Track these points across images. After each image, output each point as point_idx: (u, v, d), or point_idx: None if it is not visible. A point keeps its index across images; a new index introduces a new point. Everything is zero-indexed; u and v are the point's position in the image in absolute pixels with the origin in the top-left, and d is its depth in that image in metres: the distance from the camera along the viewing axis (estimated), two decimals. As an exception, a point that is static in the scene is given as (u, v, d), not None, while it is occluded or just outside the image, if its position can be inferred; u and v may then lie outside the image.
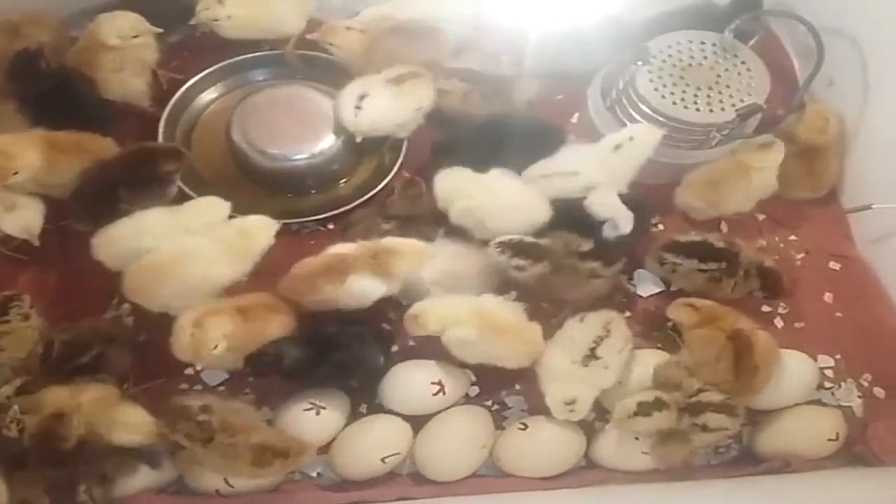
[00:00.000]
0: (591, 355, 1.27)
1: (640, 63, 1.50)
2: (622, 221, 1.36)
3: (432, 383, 1.29)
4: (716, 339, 1.27)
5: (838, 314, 1.47)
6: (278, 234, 1.35)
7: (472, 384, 1.35)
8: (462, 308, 1.27)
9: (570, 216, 1.38)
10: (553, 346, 1.30)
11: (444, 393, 1.29)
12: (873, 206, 1.50)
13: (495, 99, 1.51)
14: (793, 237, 1.55)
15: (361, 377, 1.29)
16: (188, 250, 1.27)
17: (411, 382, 1.31)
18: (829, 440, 1.30)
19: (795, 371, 1.33)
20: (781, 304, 1.46)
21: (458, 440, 1.28)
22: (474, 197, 1.37)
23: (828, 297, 1.49)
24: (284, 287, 1.28)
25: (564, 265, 1.32)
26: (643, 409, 1.22)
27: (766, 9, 1.64)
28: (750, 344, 1.25)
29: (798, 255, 1.53)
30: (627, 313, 1.42)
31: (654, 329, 1.41)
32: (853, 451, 1.32)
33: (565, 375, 1.27)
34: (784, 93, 1.63)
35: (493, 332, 1.27)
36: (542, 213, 1.38)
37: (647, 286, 1.46)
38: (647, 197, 1.45)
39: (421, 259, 1.30)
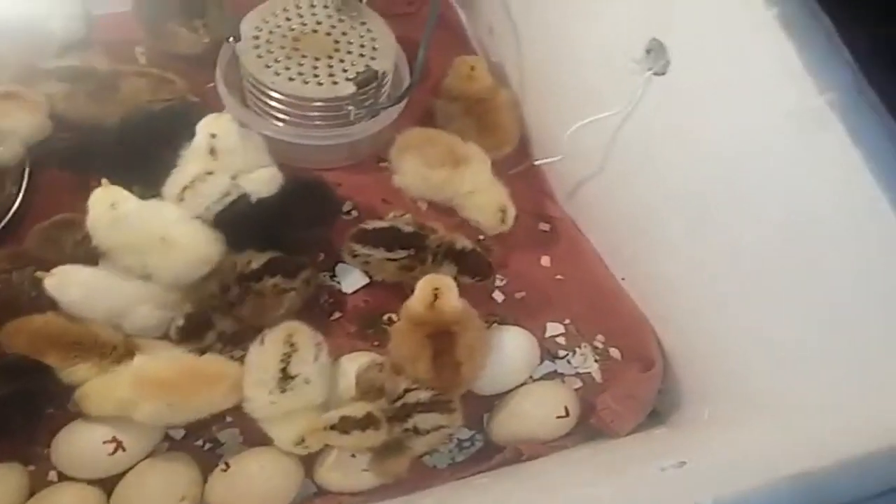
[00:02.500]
0: (285, 376, 1.13)
1: (231, 40, 1.32)
2: (265, 185, 1.22)
3: (105, 442, 1.12)
4: (412, 337, 1.14)
5: (559, 277, 1.37)
6: None
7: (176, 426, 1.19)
8: (118, 385, 1.11)
9: (238, 229, 1.21)
10: (247, 380, 1.15)
11: (122, 449, 1.12)
12: (536, 163, 1.41)
13: (107, 96, 1.32)
14: None
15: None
16: None
17: (81, 444, 1.13)
18: (559, 417, 1.19)
19: (514, 347, 1.22)
20: (498, 275, 1.35)
21: (150, 498, 1.11)
22: (132, 236, 1.17)
23: (545, 260, 1.39)
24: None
25: (244, 294, 1.17)
26: (342, 425, 1.09)
27: None
28: (452, 339, 1.13)
29: None
30: (337, 314, 1.28)
31: (368, 326, 1.28)
32: (591, 425, 1.22)
33: (273, 410, 1.13)
34: (454, 43, 1.55)
35: (175, 392, 1.11)
36: (211, 252, 1.20)
37: (351, 281, 1.31)
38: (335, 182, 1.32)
39: None
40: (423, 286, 1.15)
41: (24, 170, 1.31)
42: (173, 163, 1.22)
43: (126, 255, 1.17)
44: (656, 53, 1.07)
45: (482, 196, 1.32)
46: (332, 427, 1.09)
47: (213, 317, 1.18)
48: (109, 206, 1.15)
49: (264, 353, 1.14)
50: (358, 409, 1.11)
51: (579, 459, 1.16)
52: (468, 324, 1.15)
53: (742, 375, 1.10)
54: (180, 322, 1.16)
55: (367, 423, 1.09)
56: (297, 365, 1.13)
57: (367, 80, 1.28)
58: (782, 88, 0.90)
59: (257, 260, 1.19)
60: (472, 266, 1.25)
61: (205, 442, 1.19)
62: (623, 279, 1.33)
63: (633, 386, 1.21)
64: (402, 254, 1.23)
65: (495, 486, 1.13)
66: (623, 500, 0.86)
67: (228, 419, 1.20)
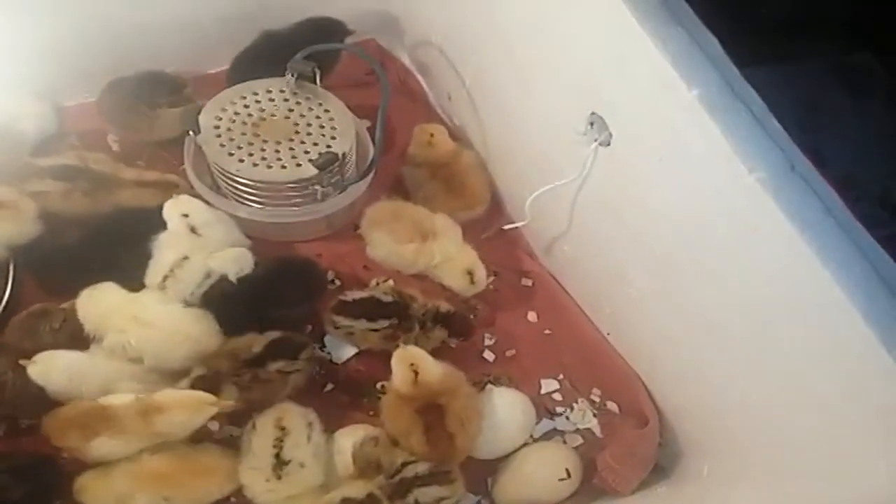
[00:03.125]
0: (280, 462, 1.11)
1: (191, 133, 1.31)
2: (235, 263, 1.22)
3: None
4: (402, 412, 1.13)
5: (547, 331, 1.36)
6: None
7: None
8: (123, 478, 1.09)
9: (226, 309, 1.21)
10: (244, 467, 1.13)
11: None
12: (505, 228, 1.41)
13: (100, 195, 1.31)
14: None
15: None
16: None
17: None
18: (561, 480, 1.17)
19: (508, 410, 1.20)
20: (487, 334, 1.33)
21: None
22: (126, 332, 1.17)
23: (531, 316, 1.37)
24: (46, 423, 1.10)
25: (252, 381, 1.15)
26: None
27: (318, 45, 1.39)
28: (441, 410, 1.11)
29: (488, 279, 1.37)
30: (330, 386, 1.26)
31: (363, 395, 1.26)
32: (593, 485, 1.19)
33: (272, 497, 1.11)
34: (418, 110, 1.56)
35: (172, 486, 1.10)
36: (209, 339, 1.19)
37: (341, 351, 1.29)
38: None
39: (199, 412, 1.10)
40: (400, 364, 1.14)
41: (8, 271, 1.29)
42: (140, 259, 1.22)
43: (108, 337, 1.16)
44: (598, 126, 1.09)
45: (451, 263, 1.32)
46: None
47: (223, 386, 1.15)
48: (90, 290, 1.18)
49: (257, 439, 1.13)
50: (359, 490, 1.08)
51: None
52: (456, 392, 1.14)
53: (731, 433, 1.09)
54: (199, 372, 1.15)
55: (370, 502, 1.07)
56: (290, 449, 1.12)
57: (328, 163, 1.27)
58: (712, 166, 0.91)
59: (258, 343, 1.17)
60: (461, 327, 1.25)
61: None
62: (608, 334, 1.31)
63: (631, 443, 1.18)
64: (384, 323, 1.22)
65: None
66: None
67: (232, 499, 1.17)
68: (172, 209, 1.24)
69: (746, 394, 1.02)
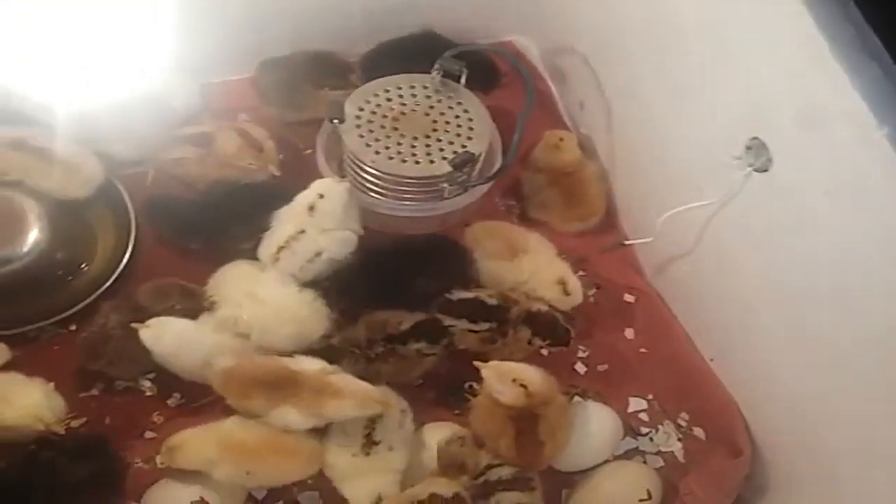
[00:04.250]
0: (369, 441, 1.14)
1: (335, 121, 1.33)
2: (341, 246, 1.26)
3: (193, 502, 1.13)
4: (495, 415, 1.14)
5: (643, 350, 1.34)
6: (16, 346, 1.23)
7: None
8: (211, 440, 1.13)
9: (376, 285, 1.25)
10: (329, 442, 1.16)
11: (208, 510, 1.15)
12: (626, 243, 1.40)
13: (230, 164, 1.36)
14: (581, 273, 1.38)
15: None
16: None
17: (170, 501, 1.15)
18: (641, 501, 1.16)
19: (598, 425, 1.21)
20: (581, 346, 1.33)
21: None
22: (242, 307, 1.22)
23: (629, 332, 1.36)
24: (220, 375, 1.14)
25: (388, 354, 1.19)
26: (430, 503, 1.08)
27: (466, 45, 1.45)
28: (535, 419, 1.12)
29: (590, 292, 1.38)
30: (419, 380, 1.26)
31: (450, 394, 1.27)
32: (676, 508, 1.20)
33: (354, 471, 1.15)
34: (544, 117, 1.55)
35: (253, 460, 1.13)
36: (318, 324, 1.23)
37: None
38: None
39: (365, 407, 1.13)
40: (502, 381, 1.13)
41: (130, 230, 1.37)
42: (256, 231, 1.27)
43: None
44: (757, 151, 1.06)
45: (540, 276, 1.31)
46: (420, 502, 1.09)
47: (344, 362, 1.19)
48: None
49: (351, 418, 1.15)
50: (446, 488, 1.10)
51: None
52: (552, 401, 1.14)
53: (832, 469, 1.07)
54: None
55: (453, 503, 1.09)
56: (381, 432, 1.14)
57: (464, 163, 1.29)
58: (892, 209, 0.88)
59: (407, 321, 1.20)
60: (547, 329, 1.24)
61: (285, 503, 1.20)
62: (711, 360, 1.29)
63: (719, 472, 1.18)
64: (484, 326, 1.23)
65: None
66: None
67: (309, 481, 1.20)
68: (316, 186, 1.27)
69: (858, 436, 1.00)
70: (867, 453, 1.01)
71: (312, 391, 1.11)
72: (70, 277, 1.36)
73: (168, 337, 1.18)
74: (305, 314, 1.23)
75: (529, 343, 1.24)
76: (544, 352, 1.27)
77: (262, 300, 1.23)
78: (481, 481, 1.12)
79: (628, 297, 1.40)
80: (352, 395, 1.12)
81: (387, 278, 1.27)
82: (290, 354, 1.18)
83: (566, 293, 1.31)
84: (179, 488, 1.16)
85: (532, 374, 1.14)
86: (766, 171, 1.06)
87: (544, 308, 1.26)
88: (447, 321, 1.24)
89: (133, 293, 1.27)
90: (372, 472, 1.15)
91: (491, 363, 1.16)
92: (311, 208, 1.25)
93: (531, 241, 1.34)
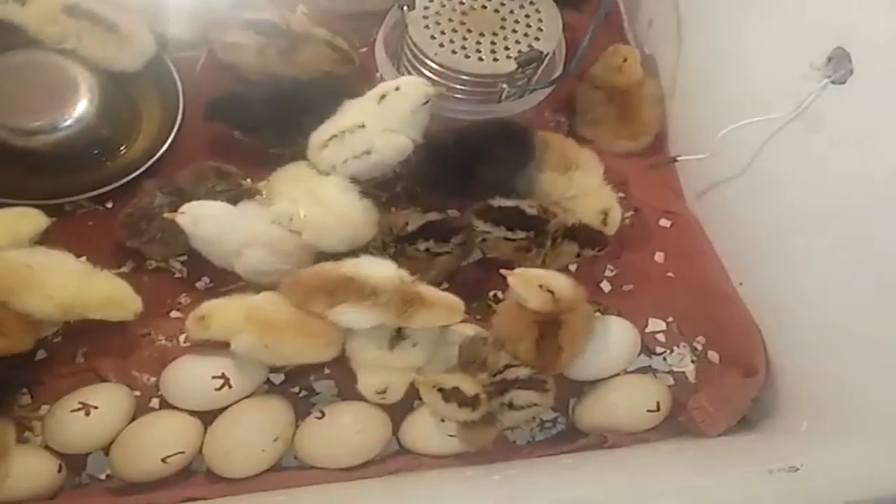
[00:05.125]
0: (398, 335, 1.17)
1: (405, 8, 1.33)
2: (394, 152, 1.27)
3: (214, 377, 1.17)
4: (520, 319, 1.16)
5: (670, 274, 1.36)
6: (52, 217, 1.23)
7: (278, 370, 1.23)
8: (238, 312, 1.16)
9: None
10: (354, 339, 1.19)
11: (229, 386, 1.18)
12: (678, 159, 1.39)
13: (292, 56, 1.36)
14: (621, 194, 1.39)
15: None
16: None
17: (192, 377, 1.19)
18: (650, 411, 1.21)
19: (616, 339, 1.23)
20: (609, 266, 1.35)
21: (246, 434, 1.17)
22: (299, 204, 1.23)
23: (658, 256, 1.38)
24: (287, 282, 1.17)
25: (398, 256, 1.20)
26: (447, 394, 1.12)
27: None
28: (558, 325, 1.15)
29: (626, 214, 1.39)
30: (445, 284, 1.29)
31: (473, 300, 1.29)
32: (678, 422, 1.22)
33: (374, 362, 1.18)
34: (608, 33, 1.52)
35: (275, 335, 1.16)
36: (367, 230, 1.25)
37: (465, 252, 1.33)
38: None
39: (452, 317, 1.16)
40: (529, 287, 1.14)
41: (177, 114, 1.38)
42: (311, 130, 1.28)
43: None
44: (838, 62, 1.04)
45: (587, 199, 1.32)
46: (439, 389, 1.13)
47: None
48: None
49: None
50: (470, 387, 1.13)
51: (668, 452, 1.17)
52: (577, 310, 1.16)
53: (854, 393, 1.08)
54: None
55: (469, 402, 1.12)
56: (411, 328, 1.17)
57: (530, 60, 1.29)
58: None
59: (414, 222, 1.21)
60: (590, 239, 1.25)
61: (301, 389, 1.24)
62: (741, 284, 1.30)
63: (730, 390, 1.20)
64: (520, 235, 1.23)
65: (582, 467, 1.15)
66: (733, 494, 0.86)
67: (327, 371, 1.24)
68: (400, 79, 1.27)
69: (877, 367, 1.01)
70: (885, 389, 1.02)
71: (396, 298, 1.12)
72: (110, 155, 1.38)
73: (206, 221, 1.20)
74: (360, 219, 1.24)
75: (579, 256, 1.25)
76: (572, 267, 1.30)
77: (321, 200, 1.24)
78: (499, 379, 1.15)
79: (664, 222, 1.41)
80: (443, 304, 1.13)
81: (454, 166, 1.26)
82: (338, 257, 1.21)
83: (604, 223, 1.31)
84: (200, 363, 1.20)
85: (560, 281, 1.17)
86: (843, 83, 1.04)
87: (579, 221, 1.27)
88: (483, 227, 1.24)
89: (173, 176, 1.28)
90: (391, 367, 1.18)
91: (518, 270, 1.17)
92: (383, 97, 1.25)
93: (584, 158, 1.34)
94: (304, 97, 1.31)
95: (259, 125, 1.32)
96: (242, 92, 1.34)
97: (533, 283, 1.15)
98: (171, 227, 1.20)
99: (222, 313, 1.15)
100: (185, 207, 1.19)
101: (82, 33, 1.32)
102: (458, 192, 1.26)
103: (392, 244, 1.21)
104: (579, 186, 1.31)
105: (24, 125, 1.29)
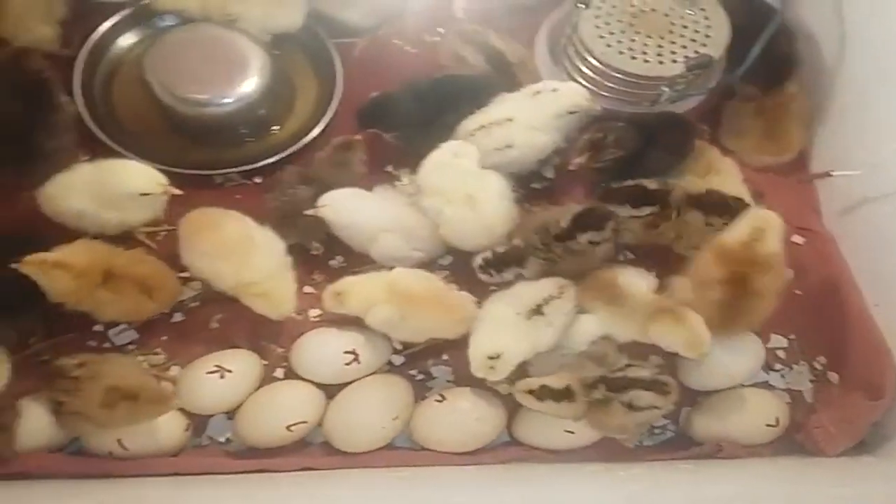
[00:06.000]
0: (537, 310, 1.19)
1: (581, 6, 1.37)
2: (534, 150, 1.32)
3: (346, 352, 1.22)
4: (713, 269, 1.16)
5: (797, 291, 1.34)
6: (202, 187, 1.33)
7: (398, 352, 1.27)
8: (379, 286, 1.20)
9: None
10: (493, 302, 1.22)
11: (358, 362, 1.22)
12: (833, 174, 1.38)
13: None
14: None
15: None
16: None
17: (323, 350, 1.24)
18: (768, 426, 1.21)
19: (741, 351, 1.23)
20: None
21: (369, 410, 1.21)
22: (451, 203, 1.25)
23: (788, 273, 1.33)
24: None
25: (564, 253, 1.22)
26: (539, 393, 1.14)
27: None
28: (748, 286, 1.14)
29: None
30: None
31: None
32: (794, 439, 1.23)
33: (500, 325, 1.19)
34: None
35: (413, 308, 1.19)
36: (506, 230, 1.28)
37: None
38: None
39: (692, 350, 1.15)
40: (748, 220, 1.16)
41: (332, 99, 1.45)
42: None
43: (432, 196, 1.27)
44: None
45: None
46: (530, 392, 1.15)
47: (527, 260, 1.23)
48: (452, 154, 1.27)
49: (532, 287, 1.22)
50: (557, 381, 1.15)
51: (787, 467, 1.18)
52: (772, 270, 1.16)
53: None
54: (487, 255, 1.24)
55: (563, 395, 1.13)
56: (551, 309, 1.19)
57: (700, 65, 1.33)
58: None
59: (564, 217, 1.23)
60: (716, 207, 1.24)
61: (419, 372, 1.28)
62: (876, 305, 1.29)
63: (853, 412, 1.20)
64: (645, 210, 1.24)
65: (701, 472, 1.16)
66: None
67: (444, 357, 1.28)
68: (562, 86, 1.32)
69: None
70: None
71: (644, 311, 1.16)
72: (263, 133, 1.46)
73: (343, 208, 1.26)
74: (503, 223, 1.27)
75: (708, 225, 1.23)
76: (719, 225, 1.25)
77: (474, 201, 1.25)
78: (619, 376, 1.15)
79: (797, 238, 1.39)
80: (689, 330, 1.13)
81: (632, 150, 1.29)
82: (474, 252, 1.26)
83: None
84: (333, 338, 1.24)
85: (775, 232, 1.16)
86: None
87: (703, 189, 1.26)
88: (611, 208, 1.25)
89: (315, 160, 1.33)
90: (516, 333, 1.18)
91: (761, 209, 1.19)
92: (537, 94, 1.30)
93: (725, 166, 1.35)
94: (456, 94, 1.35)
95: (411, 125, 1.36)
96: (395, 95, 1.37)
97: (755, 221, 1.16)
98: (313, 220, 1.26)
99: (360, 289, 1.20)
100: (325, 199, 1.25)
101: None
102: (624, 175, 1.28)
103: (555, 243, 1.22)
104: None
105: (193, 96, 1.38)
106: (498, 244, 1.26)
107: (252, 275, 1.19)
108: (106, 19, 1.51)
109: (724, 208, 1.23)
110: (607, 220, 1.23)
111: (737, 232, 1.16)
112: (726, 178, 1.33)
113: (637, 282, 1.22)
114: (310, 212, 1.24)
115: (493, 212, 1.26)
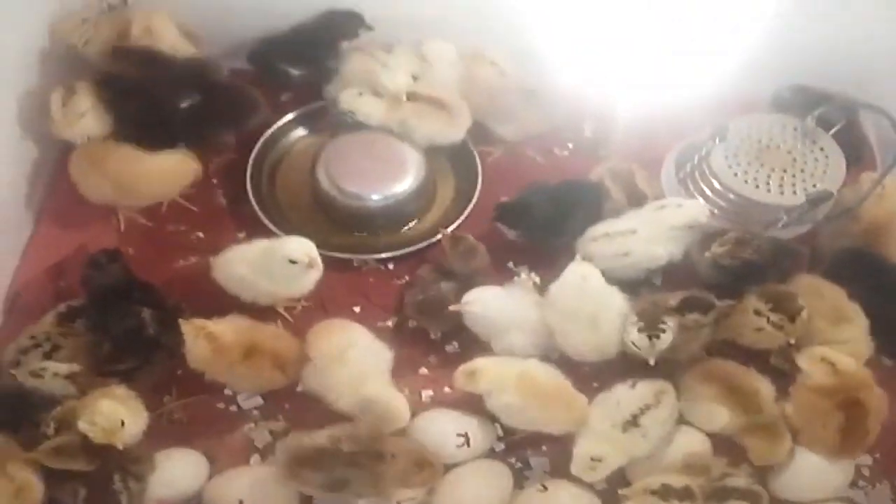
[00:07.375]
0: (633, 422, 1.25)
1: (717, 140, 1.53)
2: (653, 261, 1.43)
3: (458, 434, 1.29)
4: (820, 403, 1.26)
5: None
6: (340, 269, 1.48)
7: (499, 439, 1.35)
8: (511, 372, 1.28)
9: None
10: (596, 406, 1.30)
11: (468, 445, 1.29)
12: None
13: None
14: None
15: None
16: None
17: (439, 430, 1.31)
18: (855, 541, 1.26)
19: (831, 466, 1.28)
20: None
21: (477, 494, 1.27)
22: (575, 322, 1.34)
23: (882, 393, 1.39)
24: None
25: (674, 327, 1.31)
26: (663, 492, 1.18)
27: (853, 100, 1.61)
28: (860, 407, 1.25)
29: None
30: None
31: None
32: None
33: (600, 435, 1.26)
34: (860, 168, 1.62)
35: (536, 399, 1.27)
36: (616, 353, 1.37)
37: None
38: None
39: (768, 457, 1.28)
40: (810, 361, 1.28)
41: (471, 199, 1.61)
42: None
43: (557, 315, 1.36)
44: None
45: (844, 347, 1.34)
46: (653, 492, 1.19)
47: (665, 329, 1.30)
48: (581, 278, 1.36)
49: (629, 395, 1.28)
50: (677, 481, 1.20)
51: None
52: (870, 389, 1.27)
53: None
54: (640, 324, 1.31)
55: (685, 495, 1.18)
56: (648, 419, 1.26)
57: (820, 199, 1.46)
58: None
59: (674, 298, 1.33)
60: (775, 298, 1.32)
61: (517, 461, 1.34)
62: None
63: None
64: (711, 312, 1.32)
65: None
66: None
67: (543, 448, 1.34)
68: (687, 202, 1.48)
69: None
70: None
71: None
72: (403, 225, 1.61)
73: (488, 308, 1.36)
74: (619, 334, 1.34)
75: (756, 313, 1.32)
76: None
77: (592, 318, 1.34)
78: (719, 485, 1.21)
79: (887, 361, 1.44)
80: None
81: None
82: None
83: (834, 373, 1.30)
84: (448, 419, 1.32)
85: (842, 357, 1.27)
86: None
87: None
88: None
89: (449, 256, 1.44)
90: (612, 447, 1.25)
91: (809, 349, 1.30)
92: (662, 208, 1.44)
93: (856, 314, 1.38)
94: (581, 201, 1.50)
95: (540, 228, 1.48)
96: (530, 200, 1.50)
97: (815, 358, 1.28)
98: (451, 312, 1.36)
99: (493, 371, 1.27)
100: (470, 297, 1.36)
101: (420, 113, 1.57)
102: (739, 282, 1.39)
103: (665, 318, 1.29)
104: (845, 343, 1.34)
105: (354, 190, 1.55)
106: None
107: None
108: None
109: (779, 300, 1.32)
110: (711, 308, 1.32)
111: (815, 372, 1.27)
112: (856, 330, 1.37)
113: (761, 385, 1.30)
114: (455, 307, 1.35)
115: (612, 331, 1.34)
